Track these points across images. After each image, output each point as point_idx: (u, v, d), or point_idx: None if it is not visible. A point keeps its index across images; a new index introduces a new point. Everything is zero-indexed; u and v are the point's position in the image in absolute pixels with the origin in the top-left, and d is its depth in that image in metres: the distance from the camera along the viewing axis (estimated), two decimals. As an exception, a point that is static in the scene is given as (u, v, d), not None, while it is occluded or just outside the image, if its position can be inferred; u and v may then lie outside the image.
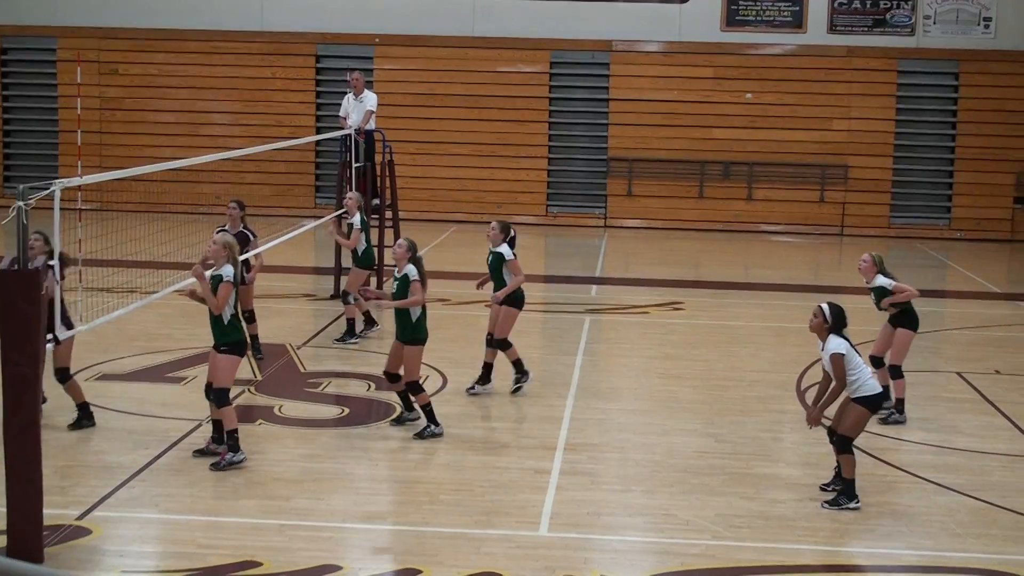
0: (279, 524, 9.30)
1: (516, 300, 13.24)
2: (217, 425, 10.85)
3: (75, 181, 9.07)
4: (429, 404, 11.84)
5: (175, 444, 11.17)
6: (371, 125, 18.93)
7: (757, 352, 16.03)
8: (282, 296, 18.87)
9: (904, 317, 12.43)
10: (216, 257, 10.57)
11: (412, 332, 11.75)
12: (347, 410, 12.62)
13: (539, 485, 10.35)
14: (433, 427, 11.81)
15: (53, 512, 8.83)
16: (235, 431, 10.61)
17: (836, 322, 10.01)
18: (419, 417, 11.92)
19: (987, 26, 29.57)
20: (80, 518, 9.23)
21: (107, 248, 14.15)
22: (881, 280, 12.37)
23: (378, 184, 19.20)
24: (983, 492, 10.45)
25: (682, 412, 12.95)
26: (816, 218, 29.64)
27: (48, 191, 8.31)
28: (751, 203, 29.70)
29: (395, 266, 12.00)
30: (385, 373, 12.08)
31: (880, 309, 12.49)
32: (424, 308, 11.84)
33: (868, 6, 29.74)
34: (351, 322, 15.74)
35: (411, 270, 11.71)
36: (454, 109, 30.01)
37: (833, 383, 10.02)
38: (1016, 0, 29.31)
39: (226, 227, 14.07)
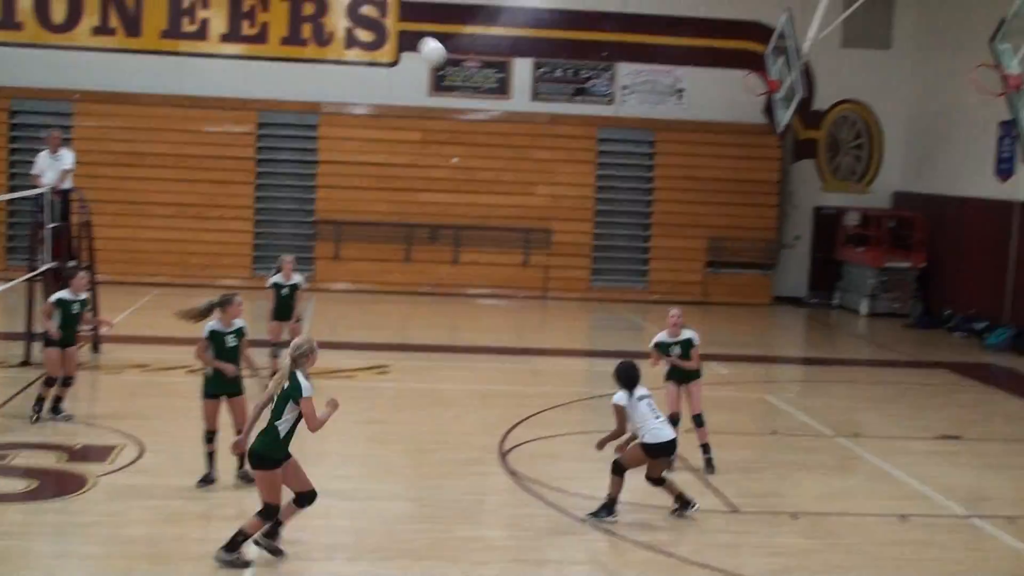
0: (-43, 608, 8.77)
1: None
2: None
3: None
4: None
5: None
6: (67, 184, 18.30)
7: (462, 415, 16.20)
8: (-32, 363, 17.90)
9: (691, 372, 13.46)
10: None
11: None
12: (37, 483, 12.01)
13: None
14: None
15: None
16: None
17: (621, 379, 11.27)
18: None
19: (680, 98, 31.11)
20: None
21: None
22: (689, 333, 13.41)
23: (73, 245, 18.55)
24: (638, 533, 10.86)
25: (387, 476, 12.94)
26: (520, 281, 30.25)
27: None
28: (457, 266, 30.09)
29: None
30: None
31: (679, 359, 13.30)
32: None
33: (569, 75, 30.82)
34: None
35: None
36: (158, 169, 29.21)
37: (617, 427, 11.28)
38: (705, 74, 30.87)
39: None
